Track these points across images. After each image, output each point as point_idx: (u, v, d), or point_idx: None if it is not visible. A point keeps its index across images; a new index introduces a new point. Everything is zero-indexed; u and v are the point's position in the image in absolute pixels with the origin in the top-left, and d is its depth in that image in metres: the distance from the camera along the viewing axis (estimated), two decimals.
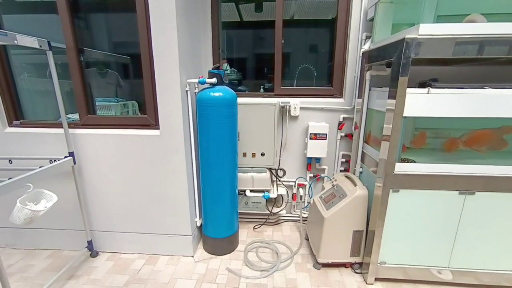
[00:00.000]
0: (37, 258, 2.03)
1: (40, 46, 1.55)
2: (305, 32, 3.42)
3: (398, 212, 1.60)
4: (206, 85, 1.83)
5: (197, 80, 1.79)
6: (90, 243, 2.01)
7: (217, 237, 2.04)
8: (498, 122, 1.59)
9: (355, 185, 1.80)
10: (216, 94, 1.75)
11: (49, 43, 1.60)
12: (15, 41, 1.39)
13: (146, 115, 1.86)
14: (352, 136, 2.22)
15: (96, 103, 2.10)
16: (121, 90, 2.71)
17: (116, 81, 2.71)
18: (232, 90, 1.85)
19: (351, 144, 2.26)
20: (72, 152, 1.81)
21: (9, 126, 1.93)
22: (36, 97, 2.20)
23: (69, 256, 2.04)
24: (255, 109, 2.17)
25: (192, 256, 2.05)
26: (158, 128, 1.82)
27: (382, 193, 1.57)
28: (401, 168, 1.53)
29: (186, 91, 1.81)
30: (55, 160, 1.79)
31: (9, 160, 1.85)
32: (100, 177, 1.95)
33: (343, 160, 2.35)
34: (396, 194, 1.57)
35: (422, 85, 1.47)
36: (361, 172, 2.04)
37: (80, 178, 1.93)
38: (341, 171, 2.38)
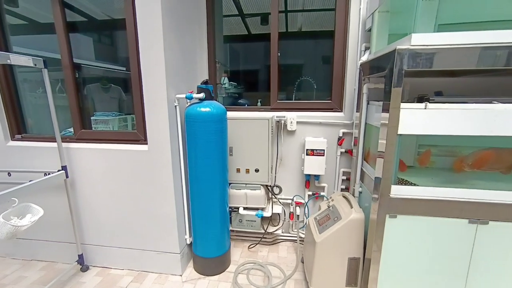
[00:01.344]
0: (32, 269, 2.06)
1: (35, 65, 1.62)
2: (307, 44, 3.35)
3: (397, 240, 1.43)
4: (196, 100, 1.80)
5: (184, 96, 1.77)
6: (81, 256, 2.01)
7: (206, 256, 1.95)
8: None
9: (351, 207, 1.65)
10: (204, 109, 1.71)
11: (44, 61, 1.66)
12: (8, 61, 1.46)
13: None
14: (353, 152, 2.07)
15: (95, 117, 2.15)
16: (124, 104, 2.77)
17: (119, 95, 2.78)
18: (221, 105, 1.81)
19: (351, 160, 2.10)
20: (65, 166, 1.84)
21: (12, 140, 2.02)
22: (47, 112, 2.29)
23: (62, 269, 2.05)
24: (248, 124, 2.10)
25: (180, 275, 1.97)
26: (147, 143, 1.81)
27: (378, 218, 1.41)
28: (398, 191, 1.37)
29: (175, 106, 1.80)
30: (49, 173, 1.83)
31: (8, 173, 1.92)
32: (91, 191, 1.96)
33: (344, 177, 2.19)
34: (393, 220, 1.40)
35: (421, 99, 1.32)
36: (360, 192, 1.88)
37: (73, 192, 1.95)
38: (342, 189, 2.22)
